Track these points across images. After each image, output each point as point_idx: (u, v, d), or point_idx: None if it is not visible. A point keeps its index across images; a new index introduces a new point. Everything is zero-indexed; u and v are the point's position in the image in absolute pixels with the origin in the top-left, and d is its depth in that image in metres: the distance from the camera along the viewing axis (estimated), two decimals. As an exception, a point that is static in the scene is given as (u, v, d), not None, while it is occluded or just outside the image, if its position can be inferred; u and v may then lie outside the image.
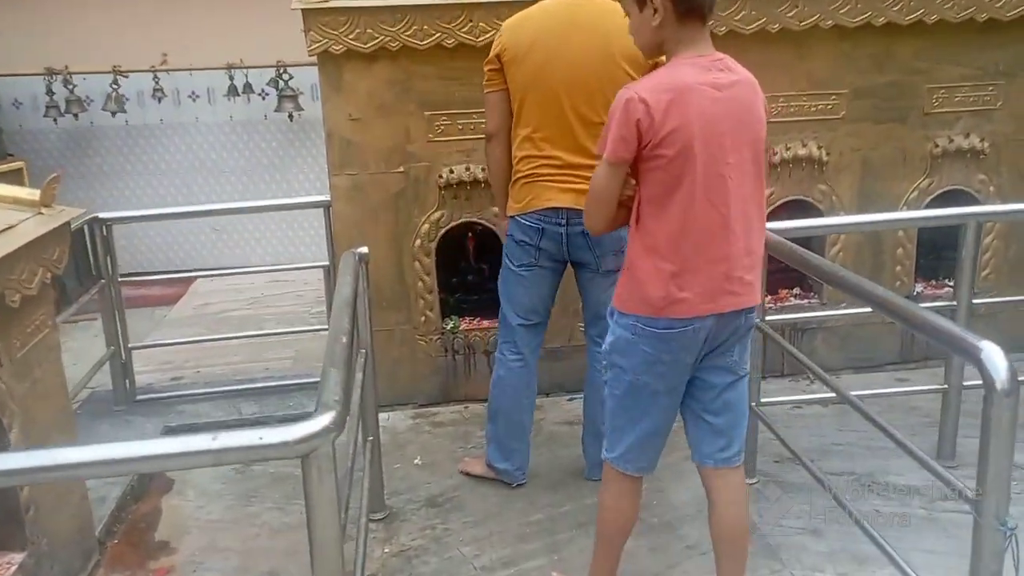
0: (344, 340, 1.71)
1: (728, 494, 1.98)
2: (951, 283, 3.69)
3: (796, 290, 3.66)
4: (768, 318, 2.68)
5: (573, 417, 3.36)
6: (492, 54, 2.52)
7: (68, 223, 2.34)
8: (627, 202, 1.87)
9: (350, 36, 3.10)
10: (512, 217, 2.59)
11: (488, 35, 3.12)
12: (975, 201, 3.51)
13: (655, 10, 1.75)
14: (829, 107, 3.37)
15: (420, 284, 3.42)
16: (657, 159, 1.74)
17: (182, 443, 1.34)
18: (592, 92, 2.41)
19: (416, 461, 3.06)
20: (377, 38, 3.11)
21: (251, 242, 6.16)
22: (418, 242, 3.37)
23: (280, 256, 6.19)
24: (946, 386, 2.72)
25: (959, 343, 1.58)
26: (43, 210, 2.29)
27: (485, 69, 2.56)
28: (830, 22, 3.21)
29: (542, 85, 2.44)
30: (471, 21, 3.11)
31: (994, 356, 1.47)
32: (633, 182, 1.85)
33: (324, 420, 1.35)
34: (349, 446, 2.20)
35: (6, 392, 2.04)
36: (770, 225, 2.56)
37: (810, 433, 3.07)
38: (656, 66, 2.00)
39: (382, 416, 3.36)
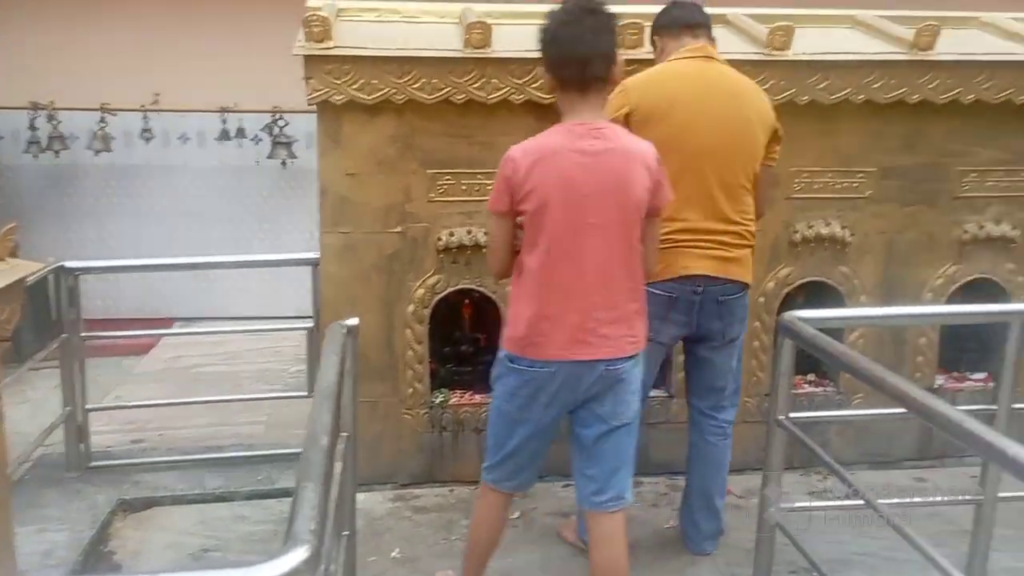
0: (324, 443, 1.44)
1: (600, 536, 2.13)
2: (973, 376, 3.50)
3: (811, 376, 3.43)
4: (792, 415, 2.44)
5: (567, 507, 3.08)
6: (616, 115, 2.37)
7: (23, 280, 2.07)
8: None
9: (353, 86, 2.90)
10: None
11: (501, 92, 2.94)
12: (1003, 292, 3.31)
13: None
14: (855, 186, 3.19)
15: (410, 353, 3.16)
16: (523, 213, 1.98)
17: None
18: (732, 155, 2.43)
19: (394, 554, 2.75)
20: (382, 90, 2.91)
21: (232, 292, 5.88)
22: (411, 308, 3.12)
23: (263, 307, 5.91)
24: (981, 497, 2.47)
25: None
26: (-5, 263, 2.03)
27: None
28: (861, 97, 3.04)
29: (684, 147, 2.37)
30: (483, 77, 2.92)
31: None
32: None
33: (294, 559, 1.09)
34: (320, 544, 1.92)
35: (-69, 473, 1.76)
36: (796, 313, 2.37)
37: (826, 540, 2.78)
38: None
39: (358, 497, 3.08)
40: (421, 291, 3.12)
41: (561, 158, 1.94)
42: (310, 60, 2.85)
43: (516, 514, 2.99)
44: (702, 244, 2.42)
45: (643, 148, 2.02)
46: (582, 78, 1.95)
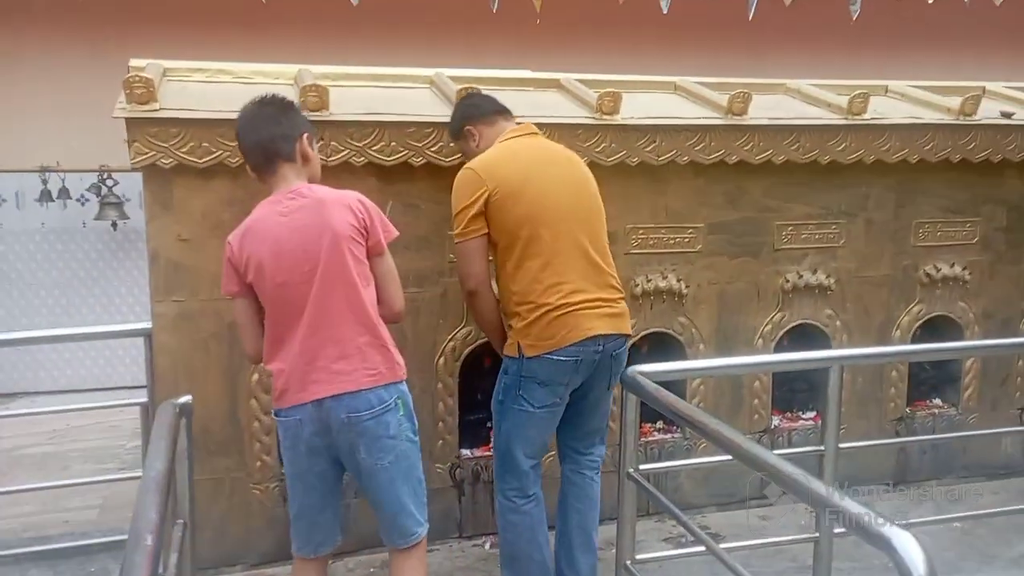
0: (148, 543, 1.34)
1: (395, 570, 2.31)
2: (804, 415, 3.74)
3: (659, 423, 3.55)
4: (641, 467, 2.51)
5: (430, 574, 3.00)
6: (474, 198, 2.48)
7: None
8: None
9: (182, 149, 2.78)
10: (535, 357, 2.46)
11: (341, 155, 2.91)
12: (824, 335, 3.57)
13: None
14: (687, 240, 3.37)
15: (256, 424, 3.02)
16: (250, 284, 2.18)
17: None
18: (591, 216, 2.59)
19: (244, 642, 2.60)
20: (214, 152, 2.81)
21: (59, 363, 5.44)
22: (256, 377, 2.99)
23: (95, 378, 5.50)
24: (817, 535, 2.63)
25: (866, 529, 1.43)
26: None
27: (465, 217, 2.49)
28: (686, 158, 3.23)
29: (549, 218, 2.49)
30: (322, 139, 2.88)
31: (909, 548, 1.33)
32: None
33: None
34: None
35: None
36: (638, 368, 2.46)
37: (683, 584, 2.89)
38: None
39: (205, 583, 2.89)
40: (265, 359, 2.99)
41: (265, 224, 2.18)
42: (132, 123, 2.72)
43: (374, 587, 2.90)
44: (594, 304, 2.50)
45: (342, 193, 2.24)
46: (267, 159, 2.24)
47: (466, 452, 3.29)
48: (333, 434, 2.16)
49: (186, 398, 2.15)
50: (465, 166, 2.60)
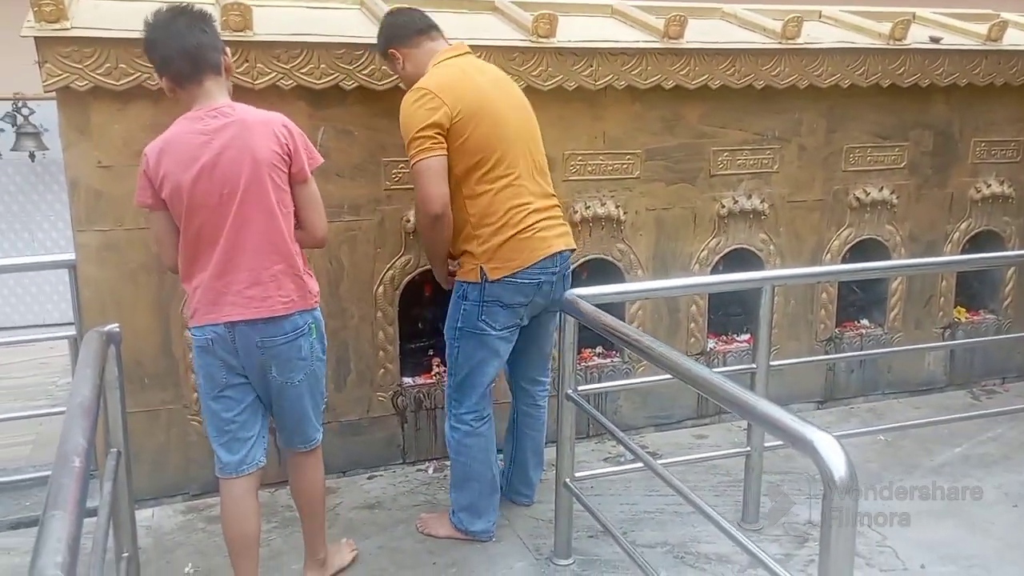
0: (76, 466, 1.31)
1: (295, 468, 2.40)
2: (739, 338, 3.83)
3: (599, 349, 3.60)
4: (580, 388, 2.55)
5: (373, 499, 3.05)
6: (436, 118, 2.38)
7: None
8: None
9: (98, 71, 2.64)
10: (497, 281, 2.48)
11: (268, 78, 2.80)
12: (758, 259, 3.65)
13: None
14: (624, 167, 3.37)
15: (191, 356, 2.95)
16: (165, 200, 2.12)
17: None
18: (535, 135, 2.62)
19: (187, 570, 2.60)
20: (132, 74, 2.67)
21: (-18, 301, 5.24)
22: (188, 308, 2.93)
23: (22, 314, 5.32)
24: (748, 449, 2.73)
25: (792, 433, 1.48)
26: None
27: (427, 134, 2.39)
28: (623, 83, 3.21)
29: (507, 135, 2.49)
30: (247, 61, 2.77)
31: (831, 450, 1.38)
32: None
33: (36, 602, 0.98)
34: (95, 568, 1.75)
35: None
36: (577, 291, 2.48)
37: (620, 501, 2.97)
38: None
39: (145, 514, 2.89)
40: (198, 290, 2.92)
41: (183, 142, 2.09)
42: (43, 42, 2.57)
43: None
44: (552, 222, 2.57)
45: (267, 116, 2.16)
46: (194, 68, 2.11)
47: (408, 380, 3.30)
48: (241, 356, 2.17)
49: (113, 326, 2.07)
50: (416, 85, 2.48)
